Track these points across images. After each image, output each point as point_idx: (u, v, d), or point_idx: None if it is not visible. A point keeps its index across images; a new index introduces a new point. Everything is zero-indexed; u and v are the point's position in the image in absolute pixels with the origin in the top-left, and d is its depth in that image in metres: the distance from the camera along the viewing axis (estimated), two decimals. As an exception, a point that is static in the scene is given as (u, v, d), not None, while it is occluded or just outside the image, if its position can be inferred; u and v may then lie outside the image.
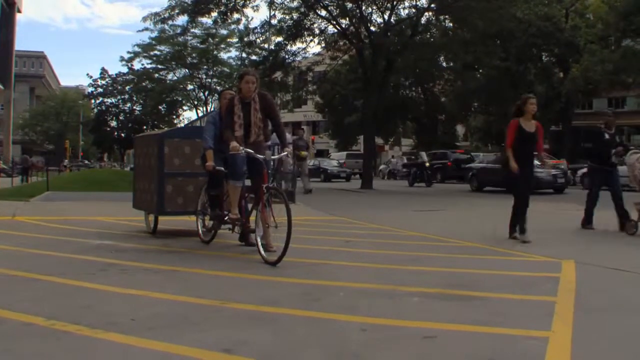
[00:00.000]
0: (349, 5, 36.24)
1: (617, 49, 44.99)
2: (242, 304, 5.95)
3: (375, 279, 5.78)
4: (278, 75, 40.45)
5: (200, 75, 71.88)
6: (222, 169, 9.68)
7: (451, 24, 38.29)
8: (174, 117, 79.59)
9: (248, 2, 37.08)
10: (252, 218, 9.21)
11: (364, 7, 36.17)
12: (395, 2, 36.24)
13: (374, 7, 36.87)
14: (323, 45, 40.25)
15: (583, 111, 62.56)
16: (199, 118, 74.06)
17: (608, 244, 11.08)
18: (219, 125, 9.88)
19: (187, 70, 71.59)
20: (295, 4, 37.90)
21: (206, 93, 73.54)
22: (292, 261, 8.19)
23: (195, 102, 75.67)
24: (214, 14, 37.44)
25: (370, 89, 35.42)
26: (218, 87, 71.74)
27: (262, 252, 8.52)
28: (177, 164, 11.19)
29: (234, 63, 68.16)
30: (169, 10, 37.00)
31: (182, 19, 39.58)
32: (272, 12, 38.42)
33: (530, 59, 51.85)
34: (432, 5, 35.97)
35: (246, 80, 9.20)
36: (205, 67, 70.38)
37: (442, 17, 37.60)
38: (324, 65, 42.51)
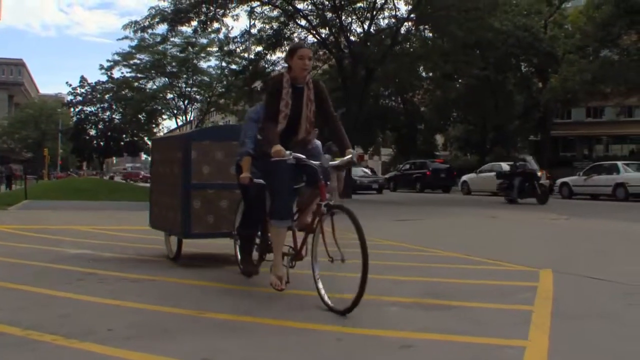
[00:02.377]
0: (329, 15, 36.43)
1: (595, 59, 45.44)
2: (219, 314, 5.93)
3: (351, 291, 5.79)
4: (258, 84, 40.51)
5: (180, 84, 71.72)
6: (261, 181, 7.10)
7: (431, 34, 38.52)
8: (154, 126, 79.40)
9: (228, 11, 37.19)
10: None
11: (343, 17, 36.34)
12: (375, 12, 36.45)
13: (354, 17, 37.07)
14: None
15: (561, 121, 63.01)
16: (178, 127, 73.92)
17: (586, 253, 11.12)
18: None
19: (166, 79, 71.38)
20: (275, 13, 38.13)
21: (186, 102, 73.46)
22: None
23: (175, 111, 75.48)
24: (194, 23, 37.51)
25: (350, 98, 35.48)
26: (197, 96, 71.79)
27: (325, 297, 6.21)
28: (207, 173, 8.90)
29: (213, 72, 68.19)
30: (149, 19, 37.01)
31: (162, 28, 39.58)
32: (252, 22, 38.63)
33: (509, 68, 52.23)
34: (412, 16, 36.20)
35: (300, 55, 6.66)
36: (185, 76, 70.24)
37: (421, 27, 37.87)
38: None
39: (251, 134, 7.36)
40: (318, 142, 7.19)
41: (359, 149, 65.15)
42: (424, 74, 49.15)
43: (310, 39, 38.40)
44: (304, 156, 6.42)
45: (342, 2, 35.95)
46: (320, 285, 6.28)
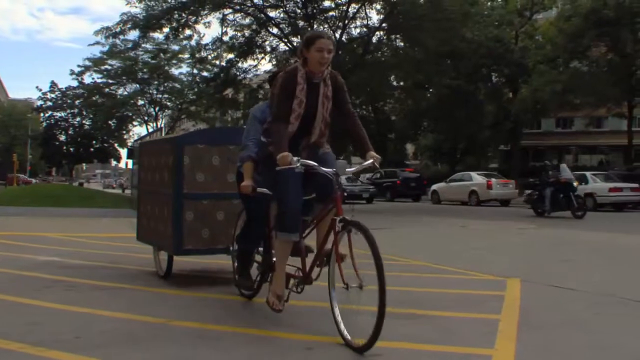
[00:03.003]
0: (301, 23, 36.43)
1: (565, 70, 45.84)
2: (188, 322, 5.93)
3: (321, 298, 5.77)
4: (229, 92, 40.48)
5: (151, 91, 71.40)
6: (266, 191, 6.15)
7: (402, 44, 38.67)
8: (124, 132, 78.97)
9: (200, 18, 37.12)
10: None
11: (315, 26, 36.35)
12: (347, 21, 36.52)
13: (326, 26, 37.07)
14: (274, 62, 40.34)
15: (532, 131, 63.42)
16: (149, 134, 73.56)
17: (554, 262, 11.20)
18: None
19: (137, 86, 71.05)
20: (247, 21, 38.11)
21: (157, 109, 73.11)
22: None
23: (146, 118, 75.11)
24: (166, 30, 37.39)
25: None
26: (168, 103, 71.52)
27: (344, 330, 5.36)
28: (202, 181, 7.94)
29: (185, 79, 67.97)
30: (121, 25, 36.87)
31: (133, 34, 39.43)
32: (224, 29, 38.55)
33: (480, 78, 52.60)
34: (384, 25, 36.29)
35: (318, 47, 5.63)
36: (156, 82, 69.94)
37: (393, 37, 37.96)
38: (275, 82, 42.63)
39: (255, 135, 6.43)
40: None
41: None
42: (395, 83, 49.24)
43: (282, 47, 38.50)
44: (314, 163, 5.54)
45: (314, 11, 36.05)
46: (339, 317, 5.45)
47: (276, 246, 5.98)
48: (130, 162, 42.14)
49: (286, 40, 37.72)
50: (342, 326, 5.36)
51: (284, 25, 37.40)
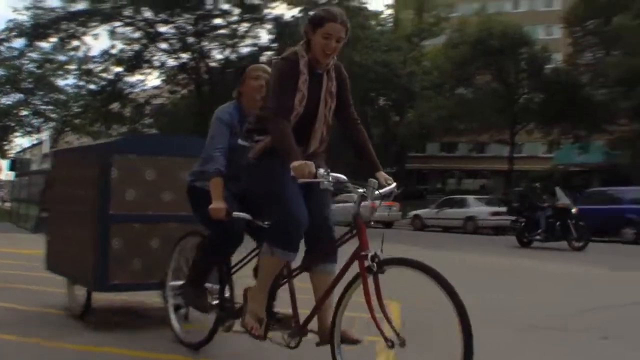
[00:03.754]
0: (191, 39, 36.26)
1: (451, 96, 47.08)
2: (74, 345, 5.54)
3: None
4: (115, 106, 39.93)
5: (35, 101, 69.71)
6: (246, 215, 4.82)
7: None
8: (5, 143, 76.79)
9: (88, 30, 36.54)
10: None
11: (205, 43, 36.26)
12: (236, 40, 36.51)
13: (216, 43, 37.02)
14: (163, 78, 40.01)
15: (417, 154, 64.65)
16: (32, 146, 71.84)
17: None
18: (237, 128, 5.15)
19: (21, 95, 69.30)
20: (137, 35, 37.66)
21: (41, 120, 71.39)
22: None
23: (29, 129, 73.24)
24: (53, 40, 36.71)
25: (206, 125, 35.30)
26: (53, 115, 69.94)
27: None
28: (133, 200, 6.32)
29: (70, 91, 66.65)
30: (6, 32, 36.08)
31: (19, 42, 38.59)
32: (113, 42, 38.10)
33: (368, 102, 53.26)
34: (273, 45, 36.41)
35: (326, 32, 4.33)
36: (41, 92, 68.33)
37: (283, 57, 38.16)
38: (162, 98, 42.29)
39: (223, 144, 5.09)
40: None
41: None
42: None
43: (171, 62, 38.21)
44: (345, 177, 4.20)
45: (204, 28, 35.92)
46: None
47: (263, 259, 4.57)
48: (11, 174, 40.97)
49: (175, 56, 37.43)
50: None
51: (173, 41, 37.13)
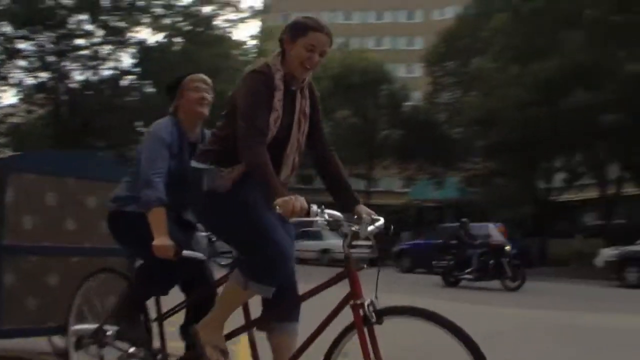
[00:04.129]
0: (51, 58, 35.54)
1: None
2: None
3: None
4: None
5: None
6: (199, 254, 4.26)
7: (154, 89, 38.57)
8: None
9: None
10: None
11: (66, 63, 35.63)
12: (98, 62, 36.04)
13: (77, 64, 36.42)
14: (21, 97, 38.99)
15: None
16: None
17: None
18: (176, 149, 4.44)
19: None
20: (-6, 50, 36.69)
21: None
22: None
23: None
24: None
25: (62, 148, 34.65)
26: None
27: None
28: (31, 229, 5.36)
29: None
30: None
31: None
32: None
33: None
34: (135, 69, 36.13)
35: (310, 42, 3.78)
36: None
37: (145, 82, 37.80)
38: (19, 117, 41.18)
39: (163, 167, 4.25)
40: None
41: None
42: (143, 129, 48.93)
43: (29, 81, 37.28)
44: (340, 214, 3.63)
45: (66, 48, 35.29)
46: None
47: (233, 292, 3.91)
48: None
49: (33, 74, 36.57)
50: None
51: (33, 59, 36.28)
